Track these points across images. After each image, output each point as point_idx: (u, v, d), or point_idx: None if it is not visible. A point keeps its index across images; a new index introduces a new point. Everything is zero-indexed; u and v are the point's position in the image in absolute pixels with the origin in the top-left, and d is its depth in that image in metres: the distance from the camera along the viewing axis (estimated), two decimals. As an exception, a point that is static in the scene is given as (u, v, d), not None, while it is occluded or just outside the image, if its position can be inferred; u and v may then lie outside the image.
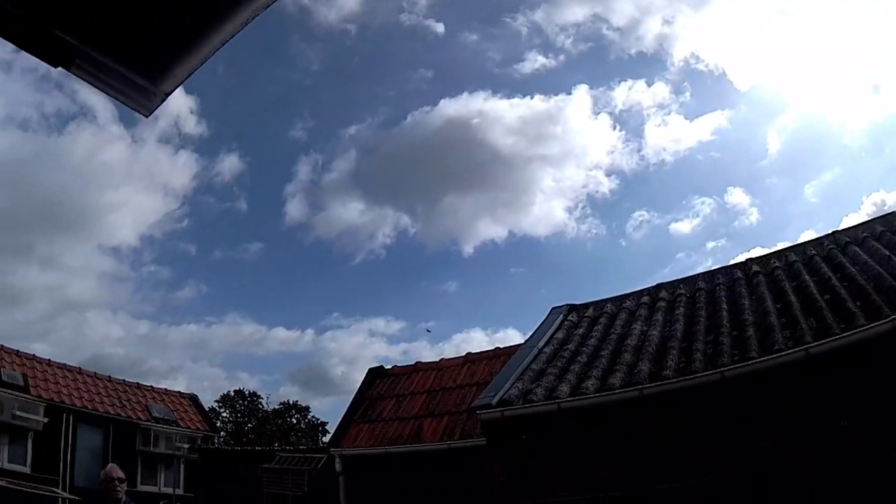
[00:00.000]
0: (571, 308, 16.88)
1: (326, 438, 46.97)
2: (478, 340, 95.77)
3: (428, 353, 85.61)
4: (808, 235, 15.29)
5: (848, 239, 13.57)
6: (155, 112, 3.17)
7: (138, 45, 2.78)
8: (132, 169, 65.86)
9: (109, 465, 8.23)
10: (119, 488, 7.60)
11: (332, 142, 74.81)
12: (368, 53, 69.83)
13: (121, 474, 7.75)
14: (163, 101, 3.05)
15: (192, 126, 67.49)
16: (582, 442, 11.58)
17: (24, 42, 2.76)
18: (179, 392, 31.00)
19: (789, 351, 9.85)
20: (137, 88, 2.97)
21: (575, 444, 11.61)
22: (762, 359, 10.05)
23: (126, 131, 61.59)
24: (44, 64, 2.79)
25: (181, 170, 69.80)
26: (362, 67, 70.09)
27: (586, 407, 11.35)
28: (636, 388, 10.93)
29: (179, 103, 60.98)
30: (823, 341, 9.64)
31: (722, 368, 10.29)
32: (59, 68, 2.86)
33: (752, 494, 9.88)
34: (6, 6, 2.60)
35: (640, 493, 10.69)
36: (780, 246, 14.81)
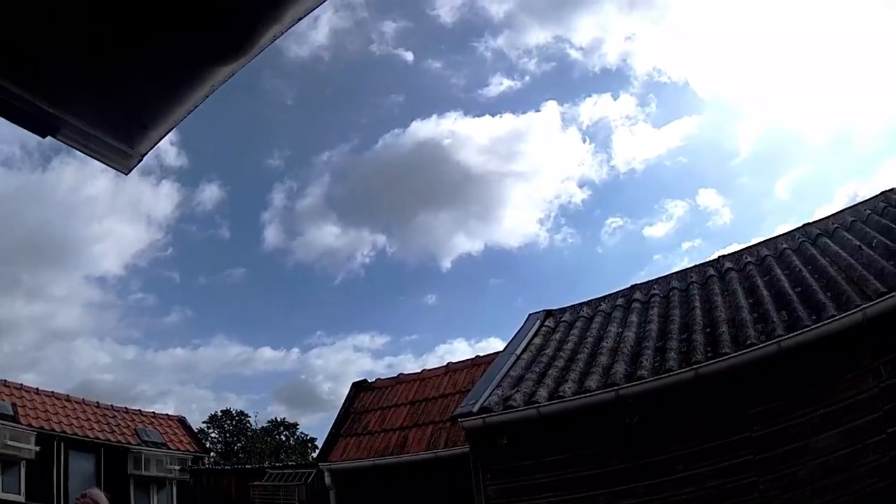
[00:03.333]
0: (548, 313, 16.93)
1: (316, 454, 47.18)
2: (461, 351, 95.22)
3: (412, 365, 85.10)
4: (783, 230, 15.41)
5: (819, 231, 13.62)
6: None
7: (116, 114, 3.19)
8: (116, 201, 66.06)
9: (91, 488, 7.63)
10: None
11: (305, 169, 75.16)
12: (340, 83, 70.42)
13: (95, 499, 7.10)
14: (139, 161, 3.44)
15: (172, 158, 67.79)
16: (562, 444, 11.64)
17: (11, 115, 3.10)
18: (167, 415, 30.36)
19: (761, 345, 9.95)
20: (117, 152, 3.37)
21: (555, 447, 11.68)
22: (734, 354, 10.17)
23: (109, 165, 62.04)
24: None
25: (164, 200, 69.69)
26: (335, 97, 70.55)
27: (565, 410, 11.41)
28: (612, 388, 11.01)
29: (159, 135, 61.48)
30: (794, 334, 9.76)
31: (696, 365, 10.39)
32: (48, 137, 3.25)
33: (733, 487, 9.96)
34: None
35: (619, 491, 10.80)
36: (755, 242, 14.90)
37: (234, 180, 71.68)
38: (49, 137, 3.35)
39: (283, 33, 2.80)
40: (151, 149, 3.43)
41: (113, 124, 3.26)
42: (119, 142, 3.34)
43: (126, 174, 3.63)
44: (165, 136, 3.37)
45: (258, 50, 2.87)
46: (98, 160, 3.56)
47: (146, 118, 3.21)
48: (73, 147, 3.47)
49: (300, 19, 2.75)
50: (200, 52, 2.86)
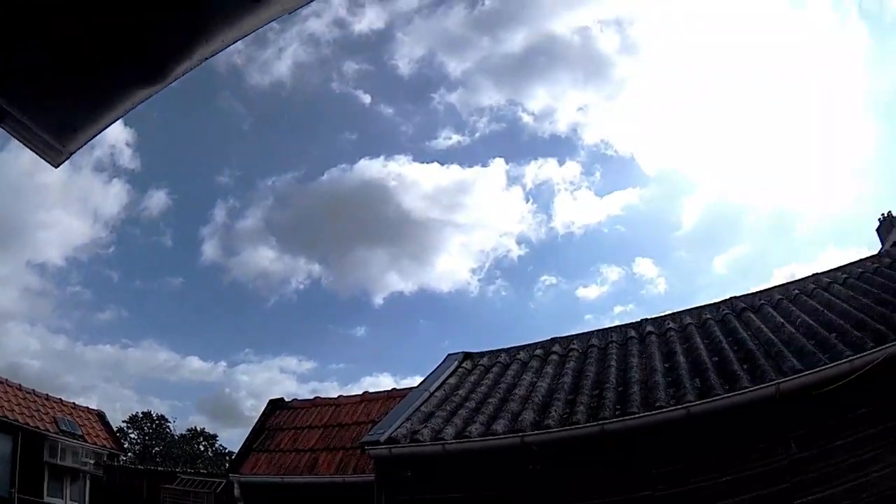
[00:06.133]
0: (466, 356, 16.95)
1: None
2: (386, 384, 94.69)
3: (336, 393, 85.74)
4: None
5: (744, 305, 13.83)
6: (91, 144, 3.85)
7: (54, 116, 3.64)
8: (67, 192, 66.40)
9: None
10: None
11: (250, 190, 76.27)
12: (297, 114, 73.63)
13: None
14: (67, 158, 3.87)
15: (126, 159, 68.87)
16: (467, 483, 11.63)
17: None
18: (87, 407, 30.05)
19: (669, 408, 9.96)
20: (50, 147, 3.76)
21: (460, 485, 11.67)
22: (641, 415, 10.14)
23: (65, 155, 61.94)
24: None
25: (112, 199, 70.82)
26: (289, 126, 73.84)
27: (470, 450, 11.36)
28: (517, 434, 10.93)
29: (117, 135, 62.21)
30: (703, 401, 9.78)
31: (602, 421, 10.36)
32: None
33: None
34: None
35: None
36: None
37: (181, 191, 73.14)
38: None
39: (193, 68, 3.20)
40: (78, 149, 3.79)
41: (50, 124, 3.65)
42: (53, 139, 3.72)
43: (55, 167, 4.00)
44: (91, 139, 3.75)
45: (172, 79, 3.32)
46: (32, 151, 3.85)
47: (78, 123, 3.63)
48: (12, 136, 3.76)
49: (207, 59, 3.17)
50: (126, 78, 3.31)
